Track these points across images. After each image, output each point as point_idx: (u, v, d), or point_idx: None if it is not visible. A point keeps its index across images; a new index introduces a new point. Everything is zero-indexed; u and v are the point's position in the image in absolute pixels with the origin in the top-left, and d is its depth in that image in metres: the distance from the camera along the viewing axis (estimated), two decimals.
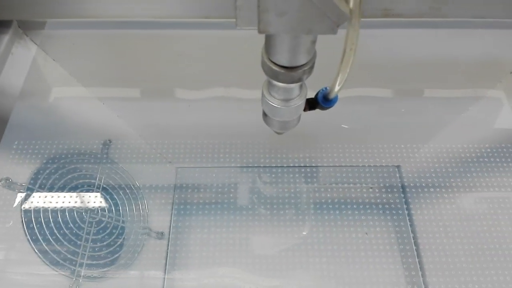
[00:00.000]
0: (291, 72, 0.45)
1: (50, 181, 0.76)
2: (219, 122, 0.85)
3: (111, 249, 0.71)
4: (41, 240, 0.71)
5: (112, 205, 0.75)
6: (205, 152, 0.80)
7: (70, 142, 0.80)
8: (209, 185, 0.77)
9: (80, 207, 0.74)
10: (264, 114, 0.59)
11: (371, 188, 0.77)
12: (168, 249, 0.71)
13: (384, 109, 0.87)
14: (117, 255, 0.71)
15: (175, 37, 0.84)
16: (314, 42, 0.43)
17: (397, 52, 0.86)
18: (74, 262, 0.69)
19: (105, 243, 0.72)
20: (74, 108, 0.85)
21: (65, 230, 0.72)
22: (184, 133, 0.82)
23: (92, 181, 0.77)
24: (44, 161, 0.78)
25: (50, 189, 0.76)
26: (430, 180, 0.77)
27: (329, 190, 0.76)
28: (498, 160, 0.79)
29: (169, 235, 0.73)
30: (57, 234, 0.71)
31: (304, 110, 0.56)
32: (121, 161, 0.78)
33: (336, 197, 0.76)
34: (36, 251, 0.69)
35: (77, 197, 0.75)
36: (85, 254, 0.70)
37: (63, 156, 0.79)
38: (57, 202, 0.74)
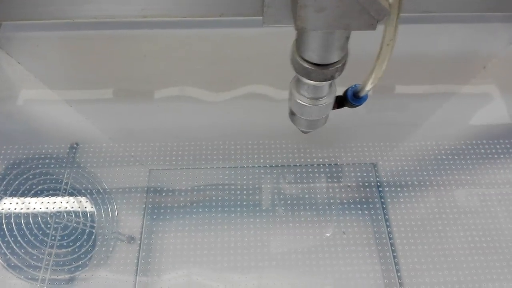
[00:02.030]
0: (324, 70, 0.45)
1: (13, 186, 0.75)
2: (191, 123, 0.84)
3: (78, 254, 0.69)
4: (4, 247, 0.69)
5: (79, 210, 0.73)
6: (178, 154, 0.79)
7: (35, 146, 0.78)
8: (183, 187, 0.76)
9: (45, 212, 0.73)
10: (291, 113, 0.58)
11: (349, 186, 0.76)
12: (139, 253, 0.70)
13: (358, 107, 0.86)
14: (84, 260, 0.69)
15: (140, 37, 0.83)
16: (348, 38, 0.43)
17: (368, 48, 0.86)
18: (38, 269, 0.68)
19: (71, 249, 0.70)
20: (40, 111, 0.83)
21: (29, 236, 0.70)
22: (156, 135, 0.81)
23: (58, 185, 0.75)
24: (9, 166, 0.77)
25: (14, 194, 0.74)
26: (406, 177, 0.77)
27: (306, 188, 0.76)
28: (473, 157, 0.79)
29: (141, 238, 0.71)
30: (21, 240, 0.70)
31: (332, 108, 0.55)
32: (89, 165, 0.77)
33: (313, 196, 0.75)
34: None
35: (41, 202, 0.73)
36: (50, 260, 0.68)
37: (28, 160, 0.78)
38: (21, 208, 0.72)
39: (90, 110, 0.84)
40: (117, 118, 0.84)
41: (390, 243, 0.71)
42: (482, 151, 0.79)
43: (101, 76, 0.87)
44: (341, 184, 0.76)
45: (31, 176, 0.76)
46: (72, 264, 0.69)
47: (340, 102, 0.54)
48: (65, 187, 0.75)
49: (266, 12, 0.42)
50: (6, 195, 0.74)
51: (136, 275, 0.68)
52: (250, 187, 0.76)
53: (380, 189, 0.76)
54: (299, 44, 0.44)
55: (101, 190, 0.75)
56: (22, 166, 0.77)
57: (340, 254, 0.69)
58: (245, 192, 0.76)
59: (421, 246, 0.70)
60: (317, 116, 0.56)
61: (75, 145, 0.79)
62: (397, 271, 0.68)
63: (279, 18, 0.42)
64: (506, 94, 0.85)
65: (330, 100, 0.52)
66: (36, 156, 0.78)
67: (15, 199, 0.74)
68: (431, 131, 0.82)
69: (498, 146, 0.80)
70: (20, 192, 0.74)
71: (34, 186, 0.75)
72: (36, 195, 0.74)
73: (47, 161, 0.78)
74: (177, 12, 0.41)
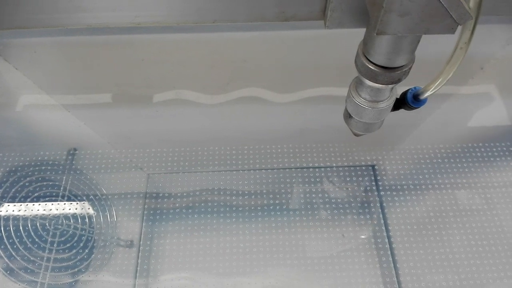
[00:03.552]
0: (391, 73, 0.45)
1: (11, 192, 0.75)
2: (190, 128, 0.84)
3: (77, 259, 0.70)
4: (3, 253, 0.69)
5: (78, 215, 0.73)
6: (177, 158, 0.79)
7: (33, 151, 0.79)
8: (182, 191, 0.76)
9: (43, 217, 0.73)
10: (348, 116, 0.58)
11: (347, 188, 0.76)
12: (138, 257, 0.70)
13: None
14: (83, 264, 0.69)
15: (137, 42, 0.83)
16: (418, 42, 0.43)
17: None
18: (37, 274, 0.68)
19: (70, 253, 0.70)
20: (38, 116, 0.84)
21: (28, 242, 0.70)
22: (154, 140, 0.81)
23: (56, 190, 0.75)
24: (8, 172, 0.77)
25: (12, 200, 0.74)
26: (405, 180, 0.77)
27: (303, 192, 0.76)
28: (474, 159, 0.78)
29: (140, 243, 0.71)
30: (20, 246, 0.70)
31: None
32: (88, 170, 0.77)
33: (311, 199, 0.75)
34: None
35: (40, 207, 0.74)
36: (48, 265, 0.69)
37: (26, 166, 0.78)
38: (20, 213, 0.73)
39: (88, 115, 0.84)
40: (115, 123, 0.85)
41: (389, 245, 0.71)
42: (479, 154, 0.79)
43: (99, 81, 0.87)
44: (340, 187, 0.76)
45: (29, 182, 0.76)
46: (71, 269, 0.69)
47: (397, 104, 0.55)
48: (63, 192, 0.75)
49: (330, 16, 0.43)
50: (4, 201, 0.74)
51: (135, 279, 0.68)
52: (249, 191, 0.76)
53: (379, 191, 0.76)
54: (368, 47, 0.44)
55: (99, 195, 0.75)
56: (21, 172, 0.77)
57: (339, 256, 0.69)
58: (244, 197, 0.76)
59: (420, 248, 0.70)
60: (375, 119, 0.56)
61: (73, 151, 0.79)
62: (397, 275, 0.68)
63: (342, 22, 0.44)
64: (504, 95, 0.85)
65: (390, 103, 0.52)
66: (34, 162, 0.78)
67: (13, 205, 0.74)
68: (429, 133, 0.82)
69: (494, 149, 0.80)
70: (18, 197, 0.75)
71: (32, 192, 0.75)
72: (34, 200, 0.74)
73: (45, 167, 0.78)
74: (170, 19, 0.41)
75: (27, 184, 0.76)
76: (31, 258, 0.69)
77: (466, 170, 0.77)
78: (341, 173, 0.78)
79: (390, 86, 0.48)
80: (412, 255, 0.69)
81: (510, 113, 0.84)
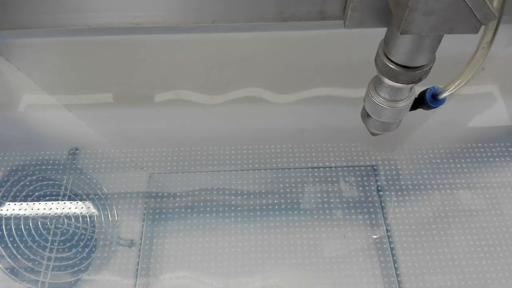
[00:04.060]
0: (413, 72, 0.45)
1: (13, 192, 0.75)
2: (191, 127, 0.84)
3: (78, 258, 0.70)
4: (4, 252, 0.69)
5: (79, 214, 0.74)
6: (179, 158, 0.79)
7: (35, 151, 0.79)
8: (183, 191, 0.76)
9: (45, 217, 0.73)
10: (366, 115, 0.58)
11: (348, 189, 0.76)
12: (140, 256, 0.70)
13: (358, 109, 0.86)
14: (84, 264, 0.70)
15: (138, 42, 0.84)
16: (440, 42, 0.43)
17: (367, 52, 0.86)
18: (38, 273, 0.68)
19: (71, 253, 0.70)
20: (39, 116, 0.84)
21: (29, 241, 0.71)
22: (156, 139, 0.81)
23: (57, 190, 0.76)
24: (9, 171, 0.77)
25: (13, 200, 0.75)
26: (406, 180, 0.76)
27: (305, 192, 0.76)
28: (470, 160, 0.78)
29: (141, 242, 0.72)
30: (21, 245, 0.70)
31: None
32: (89, 170, 0.77)
33: (312, 199, 0.75)
34: None
35: (41, 207, 0.74)
36: (49, 264, 0.69)
37: (27, 166, 0.78)
38: (21, 213, 0.73)
39: (90, 115, 0.84)
40: (116, 123, 0.85)
41: (389, 246, 0.71)
42: (478, 154, 0.79)
43: (101, 82, 0.88)
44: (341, 187, 0.76)
45: (30, 181, 0.77)
46: (72, 268, 0.69)
47: (415, 103, 0.55)
48: (65, 192, 0.76)
49: (351, 15, 0.44)
50: (6, 200, 0.74)
51: (136, 278, 0.68)
52: (250, 191, 0.76)
53: (380, 192, 0.76)
54: (389, 46, 0.45)
55: (101, 195, 0.76)
56: (22, 172, 0.77)
57: (340, 257, 0.69)
58: (244, 197, 0.76)
59: (420, 248, 0.70)
60: (393, 119, 0.56)
61: (74, 150, 0.80)
62: (397, 275, 0.68)
63: (362, 21, 0.45)
64: (505, 95, 0.85)
65: (409, 103, 0.53)
66: (36, 162, 0.79)
67: (14, 204, 0.74)
68: (430, 134, 0.81)
69: (495, 150, 0.79)
70: (20, 197, 0.75)
71: (33, 191, 0.76)
72: (35, 200, 0.75)
73: (46, 166, 0.78)
74: (169, 19, 0.42)
75: (28, 183, 0.76)
76: (32, 257, 0.70)
77: (466, 170, 0.77)
78: (342, 174, 0.77)
79: (410, 85, 0.48)
80: (412, 255, 0.69)
81: (511, 113, 0.83)
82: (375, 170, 0.78)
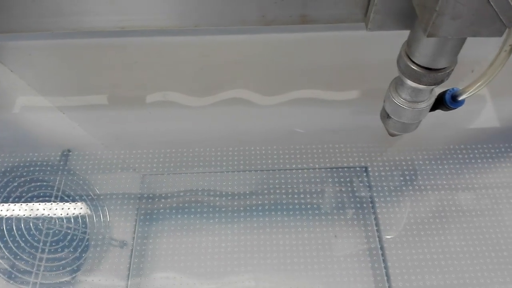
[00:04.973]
0: (435, 74, 0.46)
1: (4, 193, 0.76)
2: (184, 129, 0.85)
3: (70, 259, 0.70)
4: None
5: (71, 215, 0.74)
6: (171, 159, 0.79)
7: (28, 153, 0.80)
8: (176, 192, 0.77)
9: (36, 217, 0.74)
10: (386, 116, 0.59)
11: (340, 190, 0.76)
12: (131, 257, 0.71)
13: (350, 111, 0.87)
14: (76, 265, 0.70)
15: (130, 44, 0.84)
16: (463, 44, 0.44)
17: (361, 54, 0.86)
18: (29, 273, 0.69)
19: (62, 254, 0.71)
20: (32, 118, 0.85)
21: (21, 242, 0.71)
22: (148, 141, 0.82)
23: (50, 191, 0.76)
24: (1, 173, 0.78)
25: (5, 201, 0.75)
26: (397, 181, 0.77)
27: (296, 193, 0.76)
28: (462, 161, 0.79)
29: (133, 243, 0.72)
30: (12, 246, 0.71)
31: None
32: (82, 171, 0.78)
33: (304, 200, 0.75)
34: None
35: (33, 208, 0.75)
36: (41, 265, 0.70)
37: (20, 167, 0.79)
38: (12, 214, 0.73)
39: (82, 116, 0.85)
40: (109, 125, 0.86)
41: (381, 246, 0.71)
42: (471, 155, 0.79)
43: (93, 84, 0.88)
44: (332, 188, 0.76)
45: (23, 183, 0.77)
46: (64, 269, 0.70)
47: (435, 104, 0.55)
48: (56, 193, 0.76)
49: (373, 18, 0.44)
50: None
51: (128, 279, 0.69)
52: (243, 191, 0.77)
53: (372, 192, 0.76)
54: (413, 48, 0.45)
55: (93, 196, 0.76)
56: (15, 173, 0.78)
57: (330, 257, 0.70)
58: (237, 197, 0.76)
59: (411, 248, 0.70)
60: (413, 120, 0.57)
61: (67, 152, 0.80)
62: (387, 276, 0.68)
63: (384, 24, 0.45)
64: (494, 97, 0.85)
65: (430, 104, 0.53)
66: (29, 163, 0.79)
67: (7, 205, 0.75)
68: (421, 135, 0.81)
69: (487, 151, 0.80)
70: (11, 198, 0.76)
71: (26, 192, 0.76)
72: (28, 201, 0.75)
73: (38, 168, 0.79)
74: (153, 23, 0.42)
75: (21, 184, 0.77)
76: (24, 258, 0.70)
77: (460, 171, 0.78)
78: (334, 174, 0.78)
79: (432, 87, 0.49)
80: (403, 255, 0.69)
81: (500, 115, 0.84)
82: (367, 171, 0.79)
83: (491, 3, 0.37)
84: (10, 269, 0.69)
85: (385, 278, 0.68)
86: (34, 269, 0.69)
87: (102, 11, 0.43)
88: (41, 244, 0.71)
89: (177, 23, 0.42)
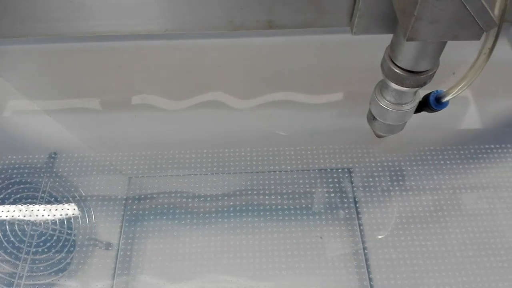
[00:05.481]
0: (418, 77, 0.48)
1: None
2: (169, 131, 0.85)
3: (54, 261, 0.70)
4: None
5: (56, 218, 0.75)
6: (158, 162, 0.80)
7: (14, 155, 0.80)
8: (162, 194, 0.77)
9: (21, 220, 0.74)
10: (372, 118, 0.60)
11: (326, 191, 0.77)
12: (117, 259, 0.71)
13: (334, 113, 0.87)
14: (61, 266, 0.70)
15: (115, 49, 0.85)
16: (443, 48, 0.46)
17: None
18: (13, 275, 0.69)
19: (47, 255, 0.71)
20: (19, 121, 0.85)
21: (5, 243, 0.71)
22: (135, 144, 0.82)
23: (35, 194, 0.76)
24: None
25: None
26: (381, 183, 0.77)
27: (281, 195, 0.76)
28: (442, 163, 0.79)
29: (119, 245, 0.72)
30: None
31: None
32: (68, 174, 0.78)
33: (288, 202, 0.76)
34: None
35: (18, 210, 0.75)
36: (25, 267, 0.70)
37: (5, 169, 0.79)
38: None
39: (69, 120, 0.85)
40: (95, 128, 0.86)
41: (364, 247, 0.71)
42: (452, 156, 0.80)
43: (79, 87, 0.89)
44: (316, 190, 0.77)
45: (8, 185, 0.77)
46: (48, 270, 0.70)
47: (420, 106, 0.56)
48: (42, 195, 0.76)
49: (358, 22, 0.45)
50: None
51: (113, 280, 0.69)
52: (228, 193, 0.77)
53: (355, 194, 0.76)
54: (395, 52, 0.47)
55: (79, 198, 0.76)
56: (0, 175, 0.78)
57: (317, 257, 0.70)
58: (224, 199, 0.76)
59: (394, 251, 0.70)
60: (399, 121, 0.58)
61: (53, 155, 0.81)
62: (369, 278, 0.68)
63: (369, 28, 0.46)
64: (476, 99, 0.86)
65: (414, 106, 0.55)
66: (14, 166, 0.79)
67: None
68: (404, 137, 0.82)
69: (467, 151, 0.80)
70: None
71: (11, 195, 0.76)
72: (12, 203, 0.76)
73: (25, 170, 0.79)
74: (123, 28, 0.43)
75: (7, 186, 0.77)
76: (9, 260, 0.70)
77: (445, 172, 0.78)
78: (317, 176, 0.78)
79: (415, 89, 0.50)
80: (388, 255, 0.69)
81: (482, 116, 0.84)
82: (350, 172, 0.79)
83: (468, 8, 0.38)
84: None
85: (368, 279, 0.68)
86: (18, 270, 0.69)
87: (74, 17, 0.44)
88: (25, 245, 0.72)
89: (147, 28, 0.43)
